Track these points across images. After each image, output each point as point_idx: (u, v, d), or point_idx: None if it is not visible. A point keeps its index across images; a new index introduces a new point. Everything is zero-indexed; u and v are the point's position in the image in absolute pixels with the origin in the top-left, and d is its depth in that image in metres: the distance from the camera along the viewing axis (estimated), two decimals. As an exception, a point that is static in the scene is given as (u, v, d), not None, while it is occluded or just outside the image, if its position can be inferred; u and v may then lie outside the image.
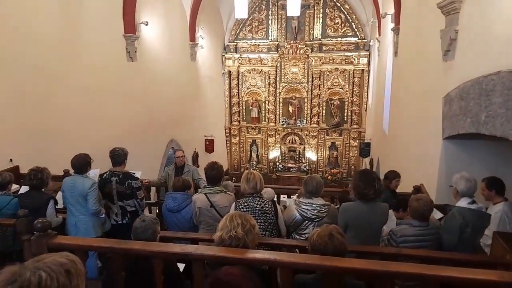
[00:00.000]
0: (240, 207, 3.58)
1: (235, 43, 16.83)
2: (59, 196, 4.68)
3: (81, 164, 4.43)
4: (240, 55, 16.83)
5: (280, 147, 17.70)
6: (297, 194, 5.58)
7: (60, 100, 6.74)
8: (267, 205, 3.59)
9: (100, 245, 2.46)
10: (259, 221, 3.52)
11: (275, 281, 2.68)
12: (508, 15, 2.92)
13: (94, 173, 4.87)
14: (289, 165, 17.80)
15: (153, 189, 6.94)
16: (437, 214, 3.88)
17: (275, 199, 6.15)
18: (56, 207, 4.37)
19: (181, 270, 2.98)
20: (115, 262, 2.43)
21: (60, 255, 1.37)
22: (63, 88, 6.81)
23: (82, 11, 7.29)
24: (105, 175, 4.73)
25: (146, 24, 9.42)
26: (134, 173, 4.85)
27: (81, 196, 4.40)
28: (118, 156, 4.70)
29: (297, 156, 17.80)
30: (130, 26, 8.87)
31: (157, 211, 6.22)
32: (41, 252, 2.21)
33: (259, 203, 3.58)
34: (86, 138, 7.19)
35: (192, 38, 12.96)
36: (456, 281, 2.11)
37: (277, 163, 17.77)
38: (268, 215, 3.58)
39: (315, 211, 3.62)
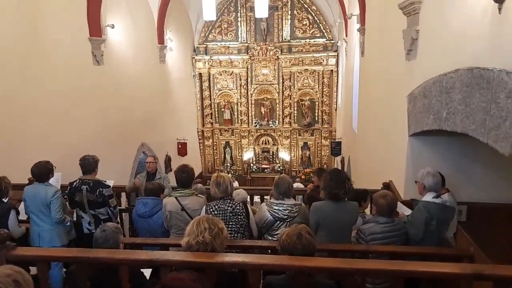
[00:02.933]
0: (211, 210, 3.55)
1: (204, 45, 16.73)
2: (22, 205, 4.50)
3: (42, 172, 4.28)
4: (210, 57, 16.74)
5: (254, 148, 17.72)
6: (268, 196, 5.59)
7: (23, 107, 6.47)
8: (238, 207, 3.59)
9: (63, 255, 2.38)
10: (230, 223, 3.51)
11: (247, 282, 2.67)
12: (463, 14, 3.03)
13: (56, 178, 4.71)
14: (263, 166, 17.84)
15: (123, 194, 6.78)
16: (406, 211, 3.97)
17: (248, 200, 6.15)
18: (18, 217, 4.20)
19: (148, 274, 2.92)
20: (80, 272, 2.34)
21: (4, 267, 1.34)
22: (27, 95, 6.54)
23: (43, 14, 7.04)
24: (75, 183, 4.60)
25: (112, 27, 9.20)
26: (105, 182, 4.73)
27: (44, 205, 4.25)
28: (88, 164, 4.57)
29: (270, 156, 17.87)
30: (96, 29, 8.64)
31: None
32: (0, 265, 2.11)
33: (230, 205, 3.57)
34: (52, 145, 6.94)
35: (161, 40, 12.77)
36: (421, 275, 2.16)
37: (252, 164, 17.78)
38: (239, 217, 3.57)
39: (286, 211, 3.64)
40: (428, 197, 3.46)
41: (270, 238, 3.73)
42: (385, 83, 6.13)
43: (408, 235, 3.44)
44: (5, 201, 4.22)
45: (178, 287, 1.42)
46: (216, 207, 3.56)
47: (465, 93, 2.93)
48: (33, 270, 2.48)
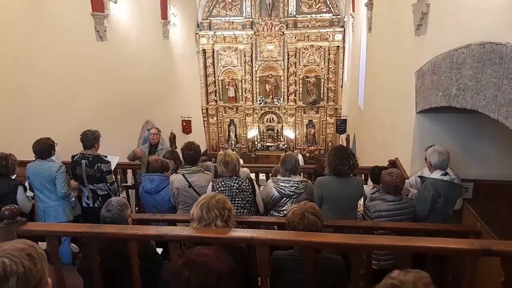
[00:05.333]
0: (217, 186, 3.56)
1: (208, 21, 16.48)
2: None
3: (43, 149, 4.30)
4: (214, 32, 16.51)
5: (258, 126, 17.69)
6: (271, 174, 5.60)
7: (28, 83, 6.45)
8: (244, 184, 3.59)
9: (73, 230, 2.40)
10: (236, 199, 3.52)
11: (254, 257, 2.70)
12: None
13: (56, 153, 4.74)
14: (268, 144, 17.86)
15: (129, 171, 6.82)
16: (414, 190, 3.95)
17: (253, 177, 6.17)
18: (26, 193, 4.25)
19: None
20: (90, 247, 2.38)
21: (17, 241, 1.34)
22: (30, 71, 6.52)
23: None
24: (76, 157, 4.65)
25: (115, 2, 9.06)
26: (106, 157, 4.75)
27: (48, 181, 4.30)
28: (87, 140, 4.60)
29: (275, 134, 17.86)
30: (98, 4, 8.52)
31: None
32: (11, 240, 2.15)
33: (236, 182, 3.58)
34: (58, 122, 6.96)
35: (164, 16, 12.59)
36: (429, 251, 2.16)
37: (256, 142, 17.79)
38: (245, 193, 3.58)
39: (293, 187, 3.65)
40: (436, 174, 3.45)
41: (276, 214, 3.76)
42: (392, 59, 6.02)
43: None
44: (13, 177, 4.25)
45: (204, 263, 1.41)
46: (223, 183, 3.57)
47: (476, 68, 2.87)
48: (42, 245, 2.52)
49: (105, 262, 2.47)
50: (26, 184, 4.45)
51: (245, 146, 17.95)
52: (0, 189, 3.95)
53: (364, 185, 4.03)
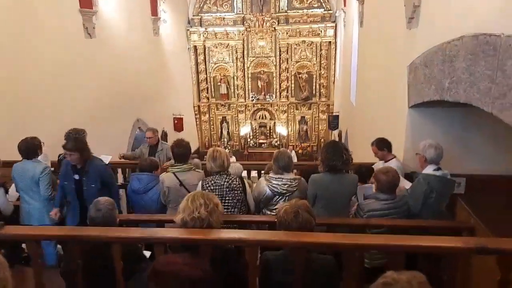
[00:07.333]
0: (207, 185, 3.49)
1: (199, 17, 16.31)
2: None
3: (29, 148, 4.19)
4: (206, 29, 16.36)
5: (251, 123, 17.61)
6: (263, 171, 5.52)
7: (16, 82, 6.29)
8: (234, 182, 3.53)
9: (53, 234, 2.30)
10: (227, 198, 3.46)
11: (243, 258, 2.62)
12: (470, -23, 2.87)
13: (45, 154, 4.63)
14: (260, 141, 17.80)
15: (119, 170, 6.70)
16: (406, 184, 3.90)
17: (245, 174, 6.09)
18: (8, 194, 4.13)
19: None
20: (71, 250, 2.28)
21: None
22: (17, 70, 6.35)
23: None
24: (60, 156, 4.57)
25: (103, -2, 8.91)
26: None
27: (33, 182, 4.19)
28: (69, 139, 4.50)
29: (267, 131, 17.80)
30: (86, 1, 8.35)
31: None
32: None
33: (226, 180, 3.51)
34: (44, 122, 6.80)
35: (154, 12, 12.42)
36: (422, 250, 2.10)
37: (249, 139, 17.71)
38: (236, 191, 3.52)
39: (286, 185, 3.58)
40: (429, 169, 3.39)
41: (268, 212, 3.69)
42: (384, 53, 5.97)
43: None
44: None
45: (171, 272, 1.31)
46: (212, 182, 3.49)
47: (470, 61, 2.81)
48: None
49: (89, 263, 2.38)
50: (13, 186, 4.33)
51: (237, 144, 17.87)
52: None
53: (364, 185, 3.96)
